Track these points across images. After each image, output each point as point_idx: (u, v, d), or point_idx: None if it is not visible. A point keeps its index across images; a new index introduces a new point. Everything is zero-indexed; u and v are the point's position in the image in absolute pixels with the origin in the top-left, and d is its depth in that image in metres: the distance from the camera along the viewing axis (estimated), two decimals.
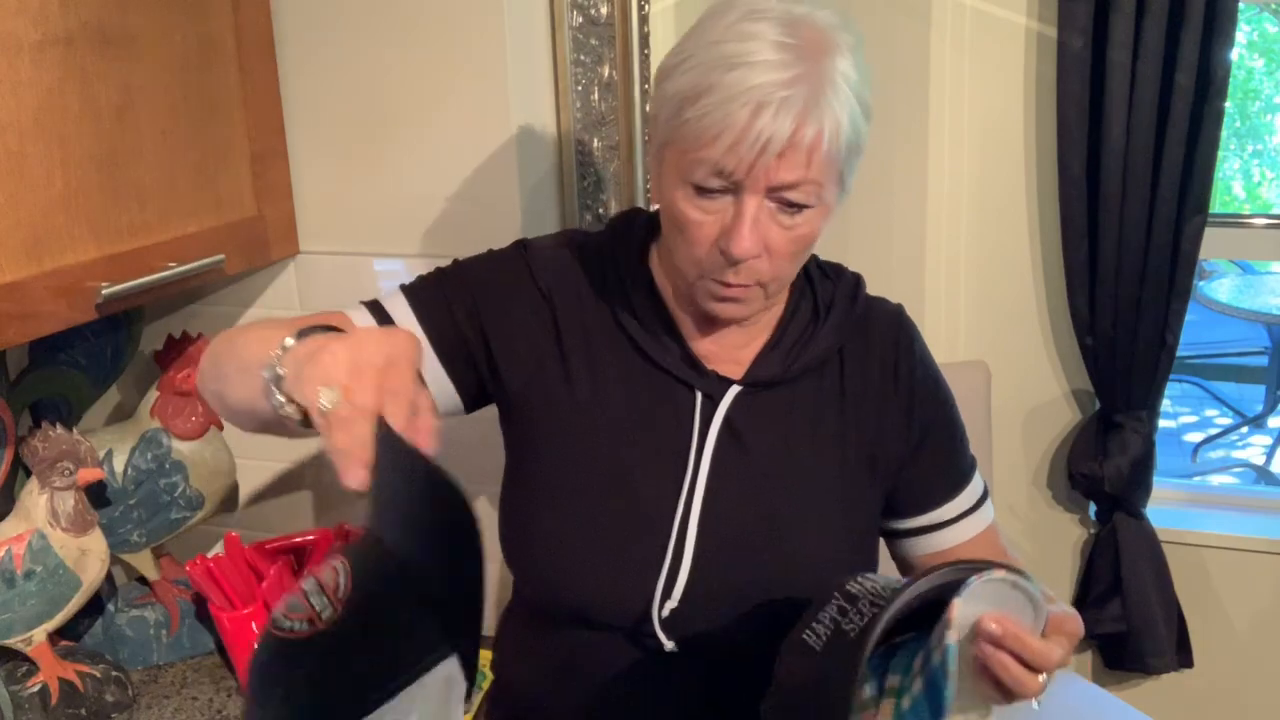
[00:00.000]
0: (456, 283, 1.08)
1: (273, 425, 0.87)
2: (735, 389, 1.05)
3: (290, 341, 0.82)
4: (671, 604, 1.01)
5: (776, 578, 1.03)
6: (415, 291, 1.08)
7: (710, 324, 1.06)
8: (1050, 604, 0.82)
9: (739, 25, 0.91)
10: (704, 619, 1.03)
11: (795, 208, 0.93)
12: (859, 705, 0.81)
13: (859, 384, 1.08)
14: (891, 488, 1.10)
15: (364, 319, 1.05)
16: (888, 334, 1.10)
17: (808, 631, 0.86)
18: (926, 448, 1.10)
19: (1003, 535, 1.16)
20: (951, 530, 1.11)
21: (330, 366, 0.73)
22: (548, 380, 1.06)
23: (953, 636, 0.75)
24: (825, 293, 1.09)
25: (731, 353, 1.07)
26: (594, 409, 1.05)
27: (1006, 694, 0.81)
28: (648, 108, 1.02)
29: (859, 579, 0.87)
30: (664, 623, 1.02)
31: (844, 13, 0.97)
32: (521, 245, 1.11)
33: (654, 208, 1.07)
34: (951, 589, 0.78)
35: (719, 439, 1.04)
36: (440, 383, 1.06)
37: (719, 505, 1.03)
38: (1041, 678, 0.80)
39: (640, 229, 1.10)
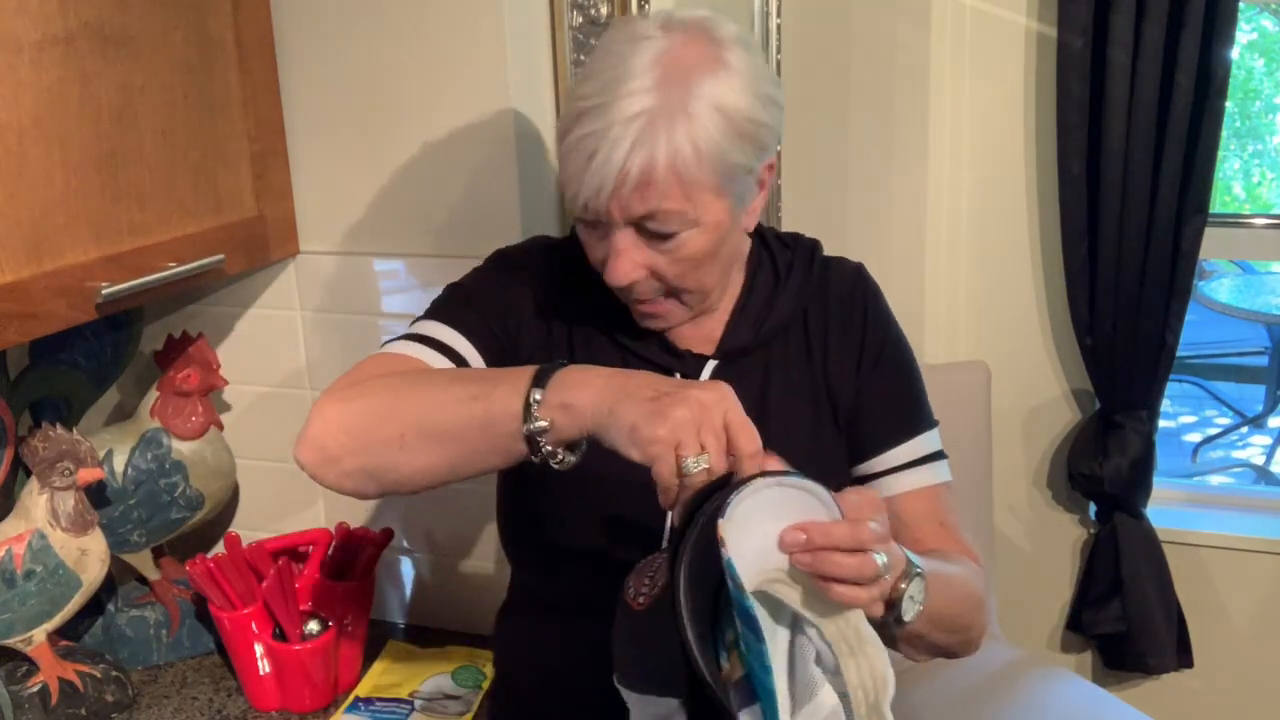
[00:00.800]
0: (479, 299, 1.10)
1: (457, 475, 0.92)
2: (711, 363, 1.08)
3: (539, 395, 0.86)
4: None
5: None
6: (452, 314, 1.08)
7: None
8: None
9: (615, 48, 0.95)
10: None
11: (662, 236, 0.96)
12: (721, 677, 0.79)
13: (823, 340, 1.11)
14: (848, 431, 1.11)
15: (432, 357, 1.03)
16: (848, 290, 1.13)
17: (631, 591, 0.86)
18: (876, 383, 1.11)
19: (958, 511, 1.13)
20: (896, 478, 1.10)
21: (682, 427, 0.79)
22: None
23: (726, 552, 0.72)
24: (784, 260, 1.13)
25: (703, 332, 1.10)
26: None
27: (853, 590, 0.77)
28: None
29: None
30: None
31: (725, 19, 0.99)
32: (500, 256, 1.15)
33: None
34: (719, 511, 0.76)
35: None
36: None
37: None
38: (876, 557, 0.76)
39: None
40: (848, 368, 1.11)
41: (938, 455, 1.13)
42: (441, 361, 1.03)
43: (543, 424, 0.85)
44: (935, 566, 0.96)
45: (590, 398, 0.84)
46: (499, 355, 1.08)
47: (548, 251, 1.16)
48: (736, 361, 1.09)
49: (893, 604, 0.86)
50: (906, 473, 1.12)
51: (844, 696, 0.78)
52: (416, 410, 0.91)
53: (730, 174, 0.97)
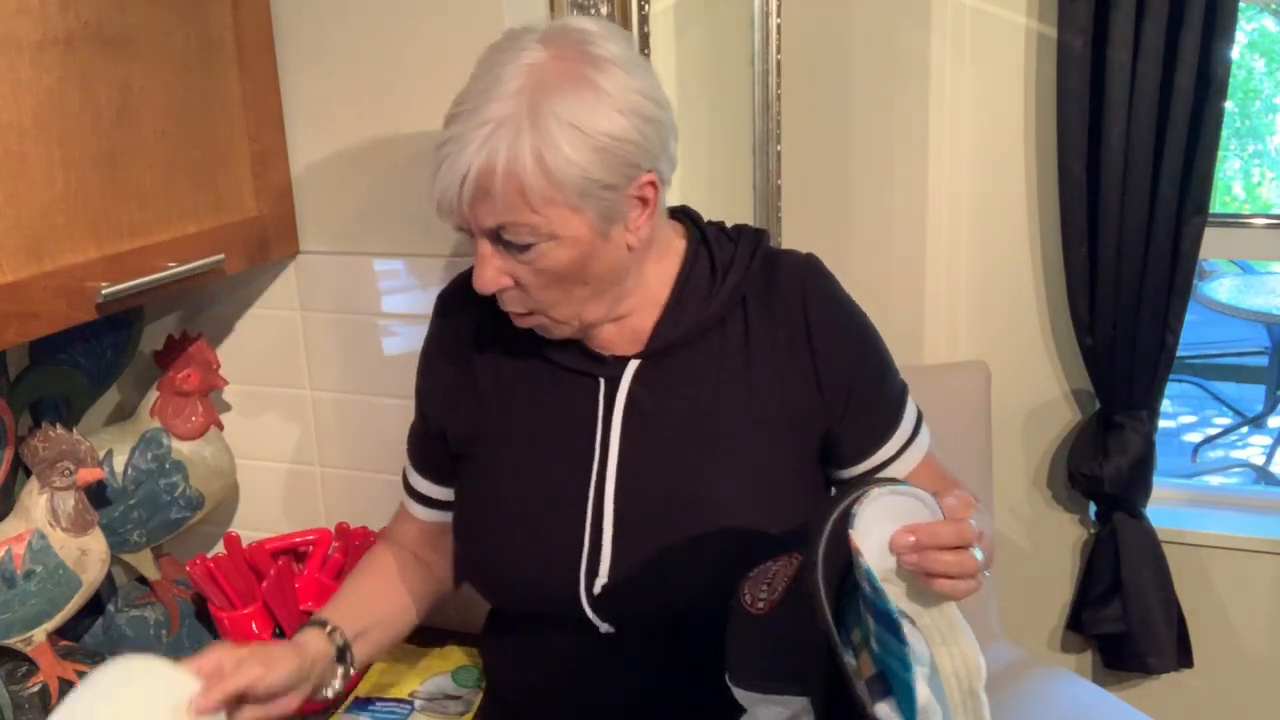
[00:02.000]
0: (420, 419, 1.22)
1: None
2: (633, 364, 1.08)
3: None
4: (601, 580, 1.05)
5: (702, 540, 1.04)
6: (416, 454, 1.25)
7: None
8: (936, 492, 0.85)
9: (495, 56, 0.97)
10: (637, 594, 1.05)
11: (519, 247, 0.98)
12: (851, 670, 0.82)
13: (764, 334, 1.08)
14: (826, 439, 1.10)
15: (419, 511, 1.26)
16: (793, 282, 1.09)
17: (748, 597, 0.90)
18: (853, 395, 1.09)
19: (942, 459, 1.17)
20: (894, 467, 1.12)
21: None
22: (467, 415, 1.16)
23: (864, 561, 0.77)
24: (724, 254, 1.10)
25: (631, 332, 1.10)
26: (507, 424, 1.12)
27: (954, 583, 0.82)
28: None
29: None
30: (595, 602, 1.06)
31: (613, 36, 0.99)
32: (438, 301, 1.21)
33: None
34: (845, 522, 0.81)
35: (625, 416, 1.07)
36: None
37: (633, 480, 1.06)
38: (974, 551, 0.81)
39: None
40: (808, 374, 1.08)
41: (918, 425, 1.14)
42: (425, 512, 1.25)
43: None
44: (988, 527, 0.99)
45: None
46: (449, 461, 1.19)
47: (454, 287, 1.20)
48: (661, 360, 1.08)
49: None
50: (901, 459, 1.12)
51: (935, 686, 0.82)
52: None
53: (586, 190, 0.96)
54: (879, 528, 0.81)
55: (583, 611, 1.06)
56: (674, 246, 1.11)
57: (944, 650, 0.83)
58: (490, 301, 1.07)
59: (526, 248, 0.97)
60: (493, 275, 1.00)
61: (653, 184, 1.01)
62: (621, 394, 1.08)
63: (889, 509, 0.82)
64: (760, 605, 0.88)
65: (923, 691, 0.78)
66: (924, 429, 1.14)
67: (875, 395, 1.11)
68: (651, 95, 0.98)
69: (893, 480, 0.85)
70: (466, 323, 1.16)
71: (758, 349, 1.08)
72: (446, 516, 1.22)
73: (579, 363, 1.10)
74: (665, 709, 1.09)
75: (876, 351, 1.12)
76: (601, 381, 1.09)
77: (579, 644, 1.09)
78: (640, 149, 0.97)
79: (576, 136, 0.94)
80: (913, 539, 0.80)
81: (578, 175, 0.95)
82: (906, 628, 0.80)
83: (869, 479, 0.89)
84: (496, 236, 0.98)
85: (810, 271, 1.11)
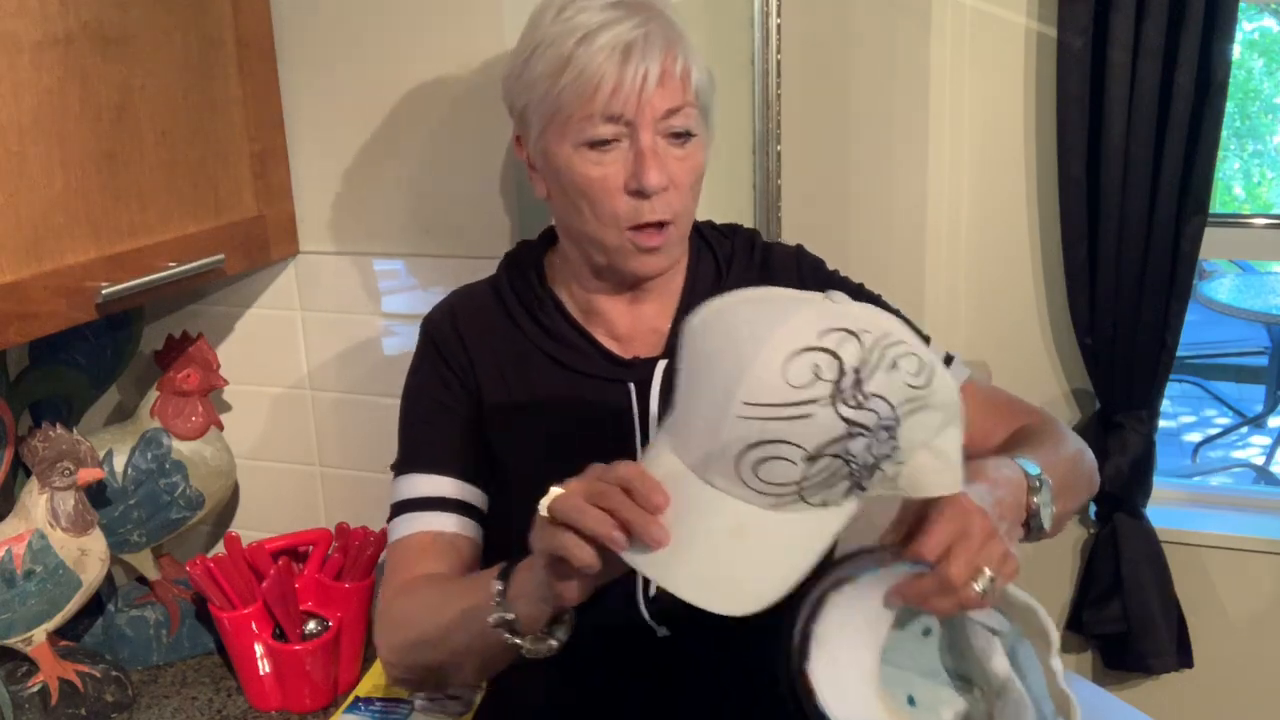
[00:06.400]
0: (431, 414, 1.11)
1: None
2: (661, 364, 1.08)
3: (500, 587, 0.89)
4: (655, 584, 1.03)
5: None
6: (424, 456, 1.10)
7: (624, 306, 1.10)
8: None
9: (565, 11, 0.99)
10: None
11: (683, 136, 1.01)
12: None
13: None
14: None
15: (437, 521, 1.08)
16: (788, 271, 1.14)
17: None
18: None
19: (997, 388, 1.18)
20: None
21: (568, 518, 0.78)
22: (498, 431, 1.10)
23: (819, 700, 0.77)
24: (724, 250, 1.14)
25: (650, 324, 1.11)
26: (539, 434, 1.08)
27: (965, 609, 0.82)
28: (509, 111, 1.08)
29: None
30: (652, 605, 1.04)
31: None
32: (424, 325, 1.15)
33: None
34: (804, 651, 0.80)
35: (660, 418, 1.06)
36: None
37: None
38: (975, 585, 0.79)
39: (532, 252, 1.15)
40: None
41: (949, 359, 1.15)
42: (446, 522, 1.07)
43: (508, 616, 0.88)
44: (1042, 457, 0.98)
45: (524, 578, 0.87)
46: (477, 451, 1.09)
47: (467, 298, 1.15)
48: None
49: (1029, 519, 0.91)
50: None
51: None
52: (434, 638, 0.98)
53: (710, 100, 1.04)
54: (858, 616, 0.80)
55: (640, 615, 1.05)
56: None
57: (1018, 616, 0.84)
58: (502, 324, 1.09)
59: (687, 139, 1.01)
60: (662, 170, 0.99)
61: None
62: (654, 396, 1.07)
63: (857, 594, 0.80)
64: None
65: (1000, 665, 0.79)
66: (958, 363, 1.15)
67: None
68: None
69: (877, 551, 0.83)
70: (459, 337, 1.11)
71: None
72: (475, 528, 1.11)
73: (607, 369, 1.09)
74: (715, 712, 1.08)
75: (877, 298, 1.16)
76: (632, 386, 1.08)
77: (626, 647, 1.07)
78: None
79: (704, 63, 1.02)
80: (900, 601, 0.81)
81: (708, 93, 1.03)
82: (977, 631, 0.82)
83: (856, 552, 0.86)
84: (665, 126, 0.99)
85: (802, 258, 1.17)
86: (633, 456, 1.06)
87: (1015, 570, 0.81)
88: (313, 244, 1.43)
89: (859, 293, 1.15)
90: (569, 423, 1.09)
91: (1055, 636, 0.83)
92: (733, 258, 1.13)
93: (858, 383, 0.73)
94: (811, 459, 0.74)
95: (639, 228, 1.01)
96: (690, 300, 1.10)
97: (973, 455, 1.06)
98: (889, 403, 0.74)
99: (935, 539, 0.79)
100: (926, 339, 1.13)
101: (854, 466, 0.75)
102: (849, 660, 0.79)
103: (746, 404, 0.73)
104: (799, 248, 1.18)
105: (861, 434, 0.73)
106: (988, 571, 0.79)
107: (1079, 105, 1.75)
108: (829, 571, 0.83)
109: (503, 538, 1.10)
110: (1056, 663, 0.82)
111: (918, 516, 0.82)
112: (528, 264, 1.14)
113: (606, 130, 0.98)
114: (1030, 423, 1.12)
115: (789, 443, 0.73)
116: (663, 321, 1.11)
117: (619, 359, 1.09)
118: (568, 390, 1.09)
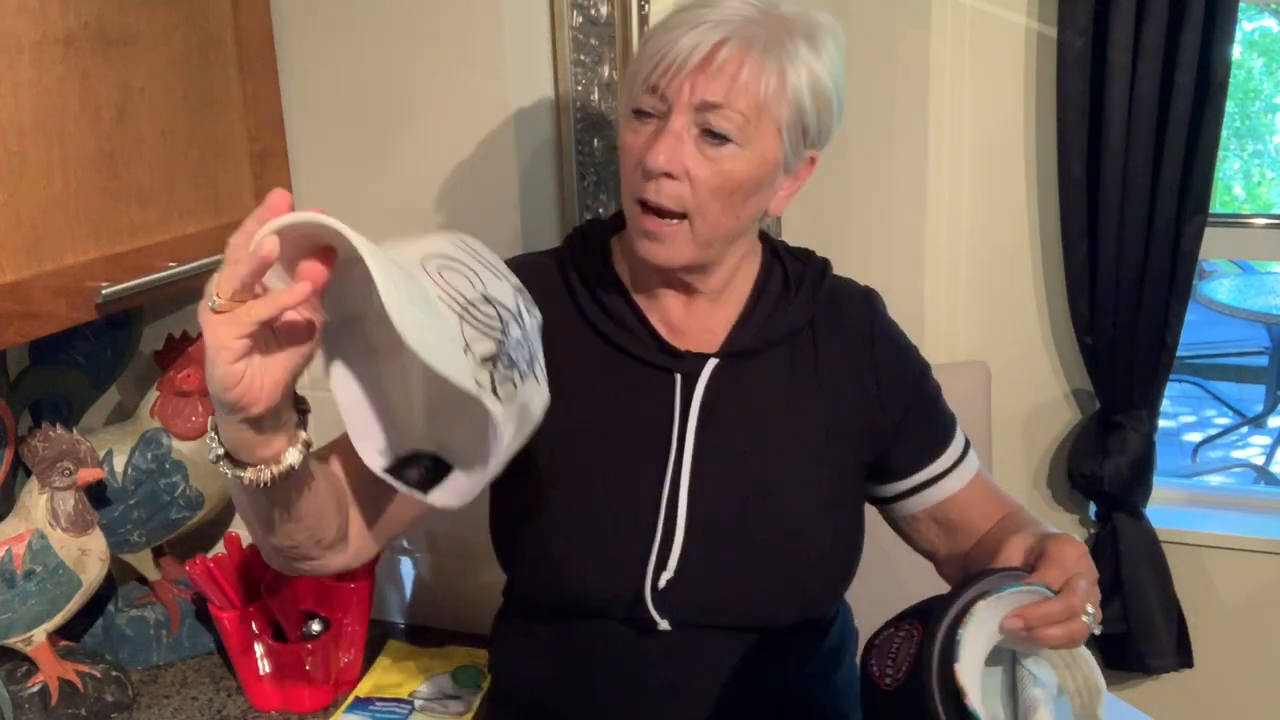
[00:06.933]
0: None
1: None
2: (712, 363, 1.08)
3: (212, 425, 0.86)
4: (667, 574, 1.04)
5: (768, 543, 1.07)
6: None
7: (680, 299, 1.10)
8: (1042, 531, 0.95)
9: None
10: (699, 591, 1.05)
11: (718, 138, 0.98)
12: None
13: (832, 357, 1.12)
14: (879, 456, 1.14)
15: None
16: (858, 312, 1.15)
17: (875, 669, 0.93)
18: (909, 418, 1.14)
19: (996, 485, 1.21)
20: (944, 482, 1.15)
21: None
22: None
23: (969, 701, 0.83)
24: (795, 271, 1.15)
25: (703, 323, 1.11)
26: (575, 408, 1.07)
27: (1069, 642, 0.89)
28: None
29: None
30: (658, 598, 1.05)
31: (834, 21, 1.02)
32: None
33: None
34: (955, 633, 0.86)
35: (700, 415, 1.07)
36: None
37: (709, 478, 1.07)
38: (1084, 618, 0.87)
39: (602, 231, 1.15)
40: (871, 397, 1.12)
41: (967, 448, 1.18)
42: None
43: (219, 451, 0.85)
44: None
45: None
46: None
47: (527, 264, 1.12)
48: (739, 363, 1.09)
49: None
50: (950, 476, 1.15)
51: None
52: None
53: (794, 124, 1.00)
54: (989, 624, 0.87)
55: (645, 607, 1.05)
56: (757, 249, 1.15)
57: (1066, 673, 0.91)
58: (558, 295, 1.09)
59: (722, 141, 0.98)
60: (671, 153, 0.98)
61: (812, 160, 1.06)
62: (699, 392, 1.08)
63: (997, 612, 0.87)
64: (888, 682, 0.91)
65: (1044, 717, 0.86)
66: (972, 454, 1.19)
67: (929, 419, 1.16)
68: (843, 80, 1.03)
69: (1012, 571, 0.92)
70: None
71: (826, 372, 1.11)
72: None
73: (657, 357, 1.09)
74: (715, 707, 1.09)
75: (929, 381, 1.17)
76: (678, 378, 1.08)
77: (629, 641, 1.08)
78: (828, 122, 1.03)
79: (809, 77, 0.99)
80: (1021, 624, 0.87)
81: (797, 103, 0.99)
82: (1031, 660, 0.89)
83: (989, 571, 0.93)
84: (700, 121, 0.98)
85: (876, 315, 1.16)
86: (667, 447, 1.07)
87: (1101, 618, 0.89)
88: None
89: (923, 377, 1.17)
90: (609, 402, 1.09)
91: (1103, 689, 0.91)
92: (803, 280, 1.14)
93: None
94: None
95: (645, 208, 1.02)
96: (756, 311, 1.11)
97: (975, 539, 1.15)
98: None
99: (1060, 570, 0.89)
100: (952, 418, 1.18)
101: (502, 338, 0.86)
102: (976, 668, 0.86)
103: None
104: (870, 293, 1.18)
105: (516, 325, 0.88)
106: (1091, 609, 0.88)
107: (1079, 105, 1.75)
108: (974, 583, 0.90)
109: (523, 500, 1.10)
110: (1101, 710, 0.91)
111: (1042, 551, 0.92)
112: (595, 240, 1.14)
113: (647, 101, 0.99)
114: (1014, 509, 1.17)
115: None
116: (719, 323, 1.11)
117: (672, 349, 1.09)
118: (615, 370, 1.09)
